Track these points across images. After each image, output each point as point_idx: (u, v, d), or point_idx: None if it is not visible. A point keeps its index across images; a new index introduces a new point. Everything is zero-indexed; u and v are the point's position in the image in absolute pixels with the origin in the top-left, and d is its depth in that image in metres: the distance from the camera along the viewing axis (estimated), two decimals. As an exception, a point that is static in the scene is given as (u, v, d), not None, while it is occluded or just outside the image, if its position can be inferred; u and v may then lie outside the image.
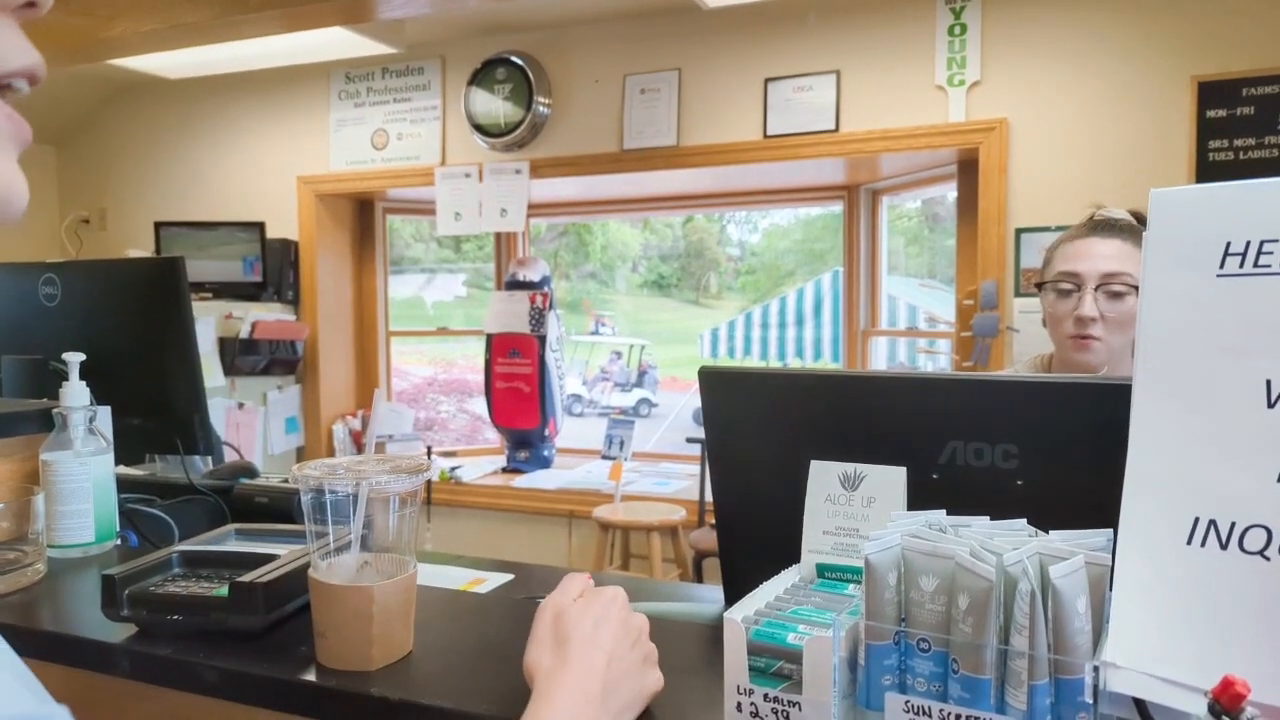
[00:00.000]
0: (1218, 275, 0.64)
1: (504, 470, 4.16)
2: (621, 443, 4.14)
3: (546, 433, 4.15)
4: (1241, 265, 0.63)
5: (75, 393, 1.13)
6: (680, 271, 15.45)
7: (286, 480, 1.49)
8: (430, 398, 6.23)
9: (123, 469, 1.64)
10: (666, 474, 4.03)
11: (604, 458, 4.13)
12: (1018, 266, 3.04)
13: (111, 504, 1.17)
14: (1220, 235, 0.65)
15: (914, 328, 5.08)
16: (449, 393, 6.39)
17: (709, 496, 3.54)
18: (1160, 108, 2.89)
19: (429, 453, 4.16)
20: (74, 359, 1.14)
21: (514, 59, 3.76)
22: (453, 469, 4.09)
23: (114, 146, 4.65)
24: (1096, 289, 1.49)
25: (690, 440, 3.66)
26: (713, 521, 3.48)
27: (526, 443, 4.17)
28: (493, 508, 3.90)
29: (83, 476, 1.12)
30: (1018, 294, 3.04)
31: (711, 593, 1.25)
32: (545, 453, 4.20)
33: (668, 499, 3.64)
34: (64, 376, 1.14)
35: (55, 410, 1.14)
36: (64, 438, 1.13)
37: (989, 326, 3.01)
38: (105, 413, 1.23)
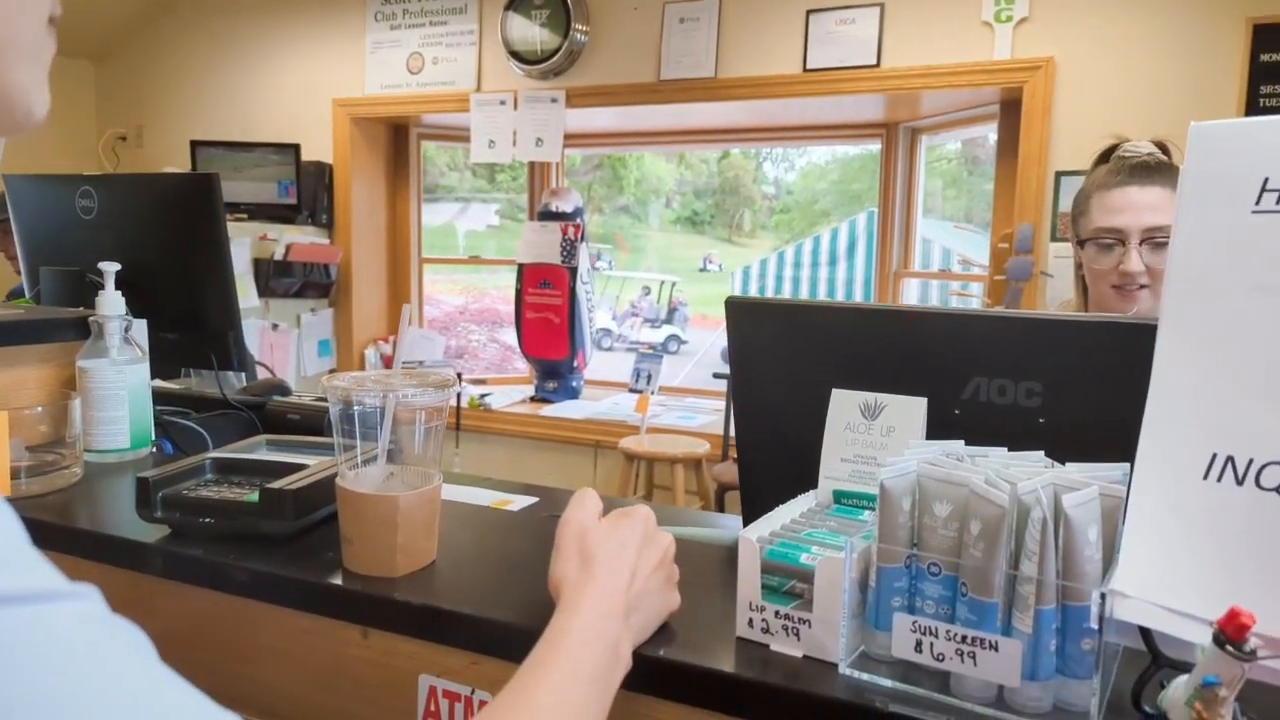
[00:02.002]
0: (1253, 211, 0.63)
1: (532, 399, 4.21)
2: (649, 376, 4.16)
3: (575, 364, 4.18)
4: (1279, 202, 0.62)
5: (111, 302, 1.15)
6: (714, 208, 15.28)
7: (319, 399, 1.53)
8: (461, 326, 6.28)
9: (158, 383, 1.68)
10: (692, 408, 4.06)
11: (631, 390, 4.15)
12: (1055, 210, 2.97)
13: (146, 412, 1.21)
14: (1259, 171, 0.63)
15: (947, 270, 5.02)
16: (480, 322, 6.44)
17: (734, 432, 3.55)
18: (1212, 50, 2.78)
19: (459, 379, 4.21)
20: (109, 268, 1.16)
21: (552, -17, 3.69)
22: (482, 396, 4.14)
23: (152, 63, 4.65)
24: (1141, 243, 1.46)
25: (717, 376, 3.68)
26: (736, 455, 3.49)
27: (555, 373, 4.20)
28: (520, 435, 3.96)
29: (118, 384, 1.15)
30: (1054, 238, 2.98)
31: (732, 521, 1.27)
32: (574, 384, 4.24)
33: (693, 432, 3.67)
34: (100, 287, 1.17)
35: (91, 318, 1.16)
36: (100, 346, 1.16)
37: (1023, 270, 2.96)
38: (141, 325, 1.25)
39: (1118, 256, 1.48)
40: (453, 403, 3.96)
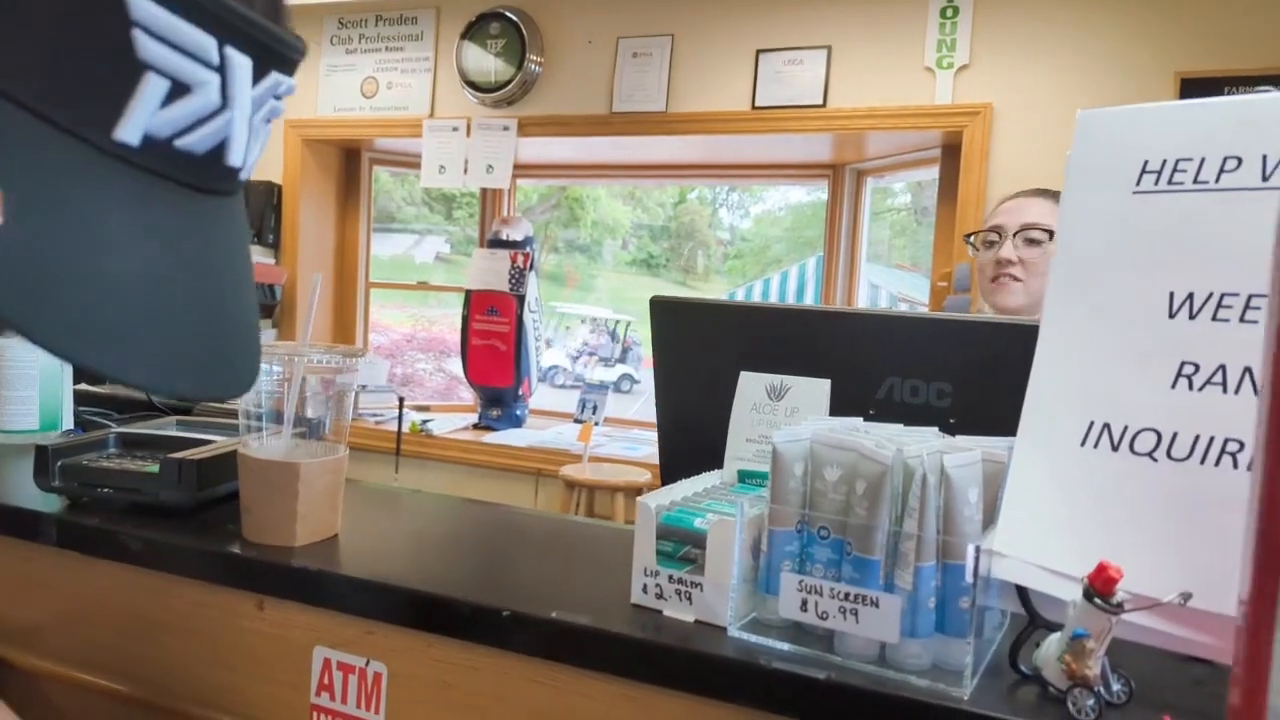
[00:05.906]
0: (1133, 192, 0.66)
1: (475, 426, 4.17)
2: (595, 407, 4.15)
3: (520, 392, 4.16)
4: (1156, 182, 0.65)
5: (26, 279, 1.12)
6: (669, 251, 15.40)
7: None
8: (408, 355, 6.22)
9: (84, 386, 1.63)
10: (637, 439, 4.05)
11: (576, 420, 4.14)
12: (993, 250, 3.07)
13: (58, 394, 1.17)
14: (1139, 154, 0.67)
15: (889, 308, 5.16)
16: (427, 350, 6.39)
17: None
18: (1142, 101, 2.90)
19: (401, 403, 4.16)
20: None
21: (508, 14, 3.74)
22: (424, 422, 4.10)
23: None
24: (1015, 235, 1.59)
25: (661, 406, 3.67)
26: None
27: (500, 401, 4.17)
28: (461, 461, 3.91)
29: (29, 363, 1.12)
30: (991, 277, 3.07)
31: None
32: (518, 412, 4.21)
33: (636, 462, 3.66)
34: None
35: (5, 295, 1.13)
36: (13, 323, 1.13)
37: (960, 308, 3.03)
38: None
39: (996, 251, 1.62)
40: (395, 410, 3.92)
